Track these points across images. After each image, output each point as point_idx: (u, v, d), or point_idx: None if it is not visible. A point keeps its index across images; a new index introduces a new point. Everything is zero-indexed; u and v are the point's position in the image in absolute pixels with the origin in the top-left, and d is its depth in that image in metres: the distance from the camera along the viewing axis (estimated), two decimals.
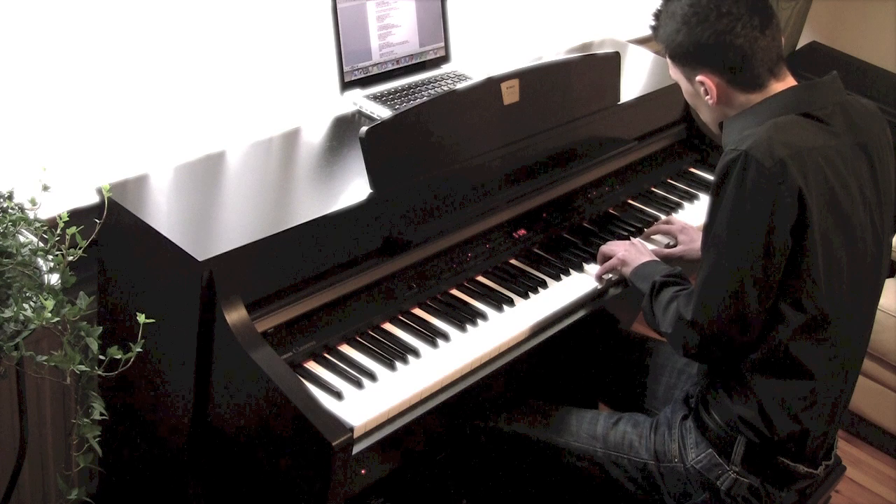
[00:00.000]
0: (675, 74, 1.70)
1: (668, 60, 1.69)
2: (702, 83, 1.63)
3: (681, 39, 1.62)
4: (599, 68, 2.17)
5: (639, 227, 2.14)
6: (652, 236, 2.09)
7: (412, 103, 1.89)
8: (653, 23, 1.72)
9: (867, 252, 1.61)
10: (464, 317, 1.75)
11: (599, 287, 1.91)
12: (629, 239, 2.01)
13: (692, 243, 1.99)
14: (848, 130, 1.59)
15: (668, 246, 2.05)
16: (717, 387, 1.66)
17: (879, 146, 1.64)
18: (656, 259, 1.87)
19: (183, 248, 1.51)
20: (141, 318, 1.33)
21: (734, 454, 1.64)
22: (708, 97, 1.64)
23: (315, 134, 1.98)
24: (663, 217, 2.18)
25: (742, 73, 1.60)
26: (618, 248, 1.91)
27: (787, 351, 1.57)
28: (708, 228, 1.58)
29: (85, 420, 1.35)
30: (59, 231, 1.35)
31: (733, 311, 1.54)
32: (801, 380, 1.59)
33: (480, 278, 1.87)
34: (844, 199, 1.55)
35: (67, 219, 1.35)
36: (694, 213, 2.26)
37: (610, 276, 1.92)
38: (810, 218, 1.49)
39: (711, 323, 1.56)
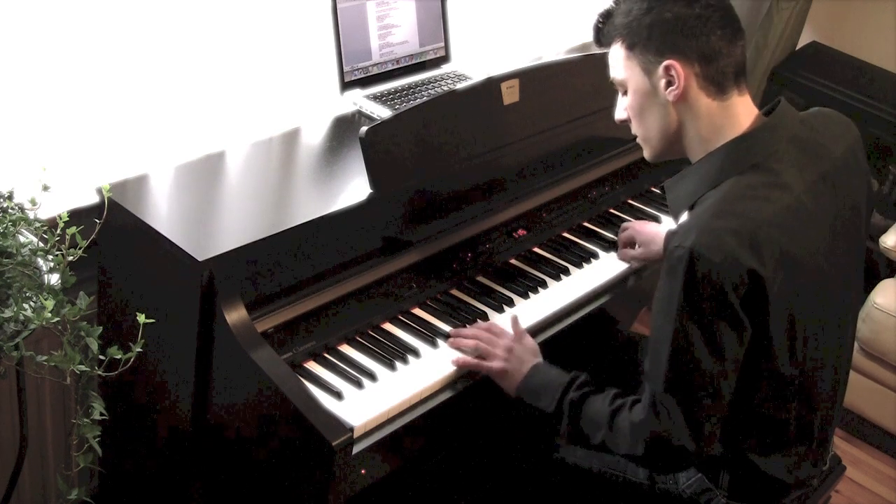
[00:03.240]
0: (623, 72, 1.53)
1: (622, 53, 1.52)
2: (668, 69, 1.46)
3: (651, 20, 1.46)
4: (599, 68, 2.16)
5: None
6: (628, 253, 1.99)
7: (412, 103, 1.89)
8: (600, 20, 1.57)
9: (833, 290, 1.54)
10: (464, 317, 1.75)
11: (599, 287, 1.91)
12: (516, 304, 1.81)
13: (651, 245, 1.94)
14: (803, 169, 1.48)
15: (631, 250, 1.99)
16: None
17: (846, 162, 1.56)
18: (539, 361, 1.65)
19: (183, 248, 1.51)
20: (141, 318, 1.33)
21: (721, 480, 1.63)
22: (671, 90, 1.47)
23: (315, 134, 1.98)
24: (663, 217, 2.18)
25: (712, 66, 1.46)
26: (492, 359, 1.64)
27: (757, 411, 1.52)
28: (659, 324, 1.45)
29: (85, 420, 1.35)
30: (59, 231, 1.35)
31: (713, 403, 1.44)
32: (766, 427, 1.55)
33: (480, 278, 1.87)
34: (806, 259, 1.45)
35: (67, 219, 1.35)
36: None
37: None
38: (770, 291, 1.39)
39: (699, 429, 1.44)
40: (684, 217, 1.53)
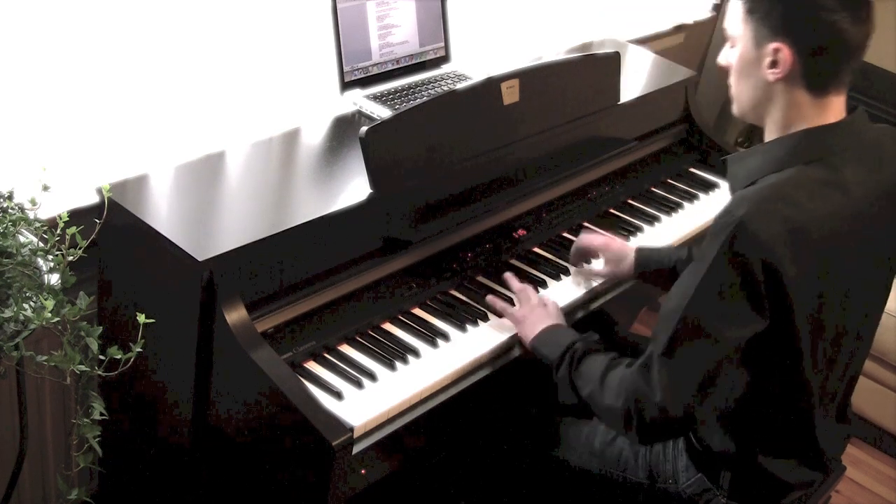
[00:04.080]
0: (736, 28, 1.49)
1: (741, 12, 1.47)
2: (776, 51, 1.43)
3: None
4: (599, 68, 2.17)
5: (639, 226, 2.14)
6: (578, 263, 1.96)
7: (412, 103, 1.89)
8: None
9: (870, 298, 1.55)
10: (464, 317, 1.75)
11: (598, 287, 1.91)
12: (543, 287, 1.88)
13: (620, 263, 1.91)
14: (866, 177, 1.48)
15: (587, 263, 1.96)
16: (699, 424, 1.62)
17: None
18: (563, 323, 1.73)
19: (183, 248, 1.51)
20: (141, 318, 1.33)
21: (722, 480, 1.63)
22: (773, 71, 1.45)
23: (315, 134, 1.98)
24: (663, 217, 2.18)
25: (821, 62, 1.43)
26: (518, 311, 1.74)
27: (764, 404, 1.53)
28: (683, 286, 1.46)
29: (85, 420, 1.35)
30: (59, 231, 1.35)
31: (703, 379, 1.44)
32: (773, 422, 1.55)
33: (480, 278, 1.87)
34: (850, 266, 1.46)
35: (67, 219, 1.35)
36: (694, 213, 2.26)
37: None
38: (794, 299, 1.39)
39: (677, 394, 1.45)
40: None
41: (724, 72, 1.56)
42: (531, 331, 1.70)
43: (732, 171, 1.55)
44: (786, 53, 1.43)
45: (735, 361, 1.44)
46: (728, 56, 1.54)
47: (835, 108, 1.49)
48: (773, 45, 1.44)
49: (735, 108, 1.57)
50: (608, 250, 1.93)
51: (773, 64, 1.45)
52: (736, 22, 1.49)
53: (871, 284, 1.57)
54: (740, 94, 1.53)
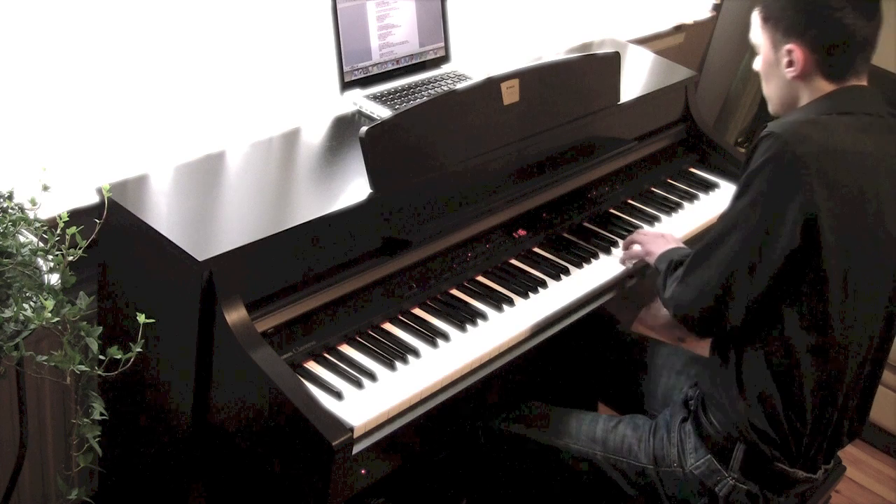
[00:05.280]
0: (758, 37, 1.64)
1: (759, 21, 1.64)
2: (790, 52, 1.58)
3: (785, 3, 1.58)
4: (599, 68, 2.17)
5: (639, 226, 2.14)
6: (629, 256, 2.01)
7: (412, 103, 1.89)
8: None
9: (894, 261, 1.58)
10: (464, 317, 1.75)
11: (599, 287, 1.91)
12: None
13: (648, 245, 1.96)
14: (888, 142, 1.57)
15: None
16: (718, 387, 1.66)
17: None
18: (682, 246, 1.89)
19: (183, 247, 1.51)
20: (141, 318, 1.33)
21: (733, 460, 1.64)
22: (790, 70, 1.59)
23: (315, 134, 1.98)
24: (663, 217, 2.18)
25: (834, 55, 1.56)
26: (644, 239, 1.92)
27: (788, 359, 1.56)
28: (728, 206, 1.59)
29: (85, 420, 1.35)
30: (59, 231, 1.35)
31: (720, 285, 1.56)
32: (796, 388, 1.58)
33: (480, 278, 1.87)
34: (877, 206, 1.52)
35: (67, 219, 1.35)
36: (694, 213, 2.26)
37: (632, 263, 1.95)
38: (823, 222, 1.47)
39: (695, 297, 1.60)
40: None
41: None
42: (653, 256, 1.86)
43: (772, 127, 1.61)
44: (798, 53, 1.57)
45: (752, 265, 1.52)
46: (757, 63, 1.68)
47: (857, 87, 1.60)
48: (787, 47, 1.58)
49: (770, 107, 1.71)
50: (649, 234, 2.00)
51: (790, 63, 1.59)
52: (756, 31, 1.65)
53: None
54: (770, 94, 1.68)
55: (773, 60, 1.62)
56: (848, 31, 1.53)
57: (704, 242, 1.61)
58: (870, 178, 1.52)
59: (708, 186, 2.37)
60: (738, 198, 1.55)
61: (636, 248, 1.93)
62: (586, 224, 2.11)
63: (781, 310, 1.54)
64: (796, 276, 1.51)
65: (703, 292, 1.59)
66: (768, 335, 1.57)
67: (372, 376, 1.57)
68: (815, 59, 1.56)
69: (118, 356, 1.32)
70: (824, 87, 1.59)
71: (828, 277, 1.50)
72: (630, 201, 2.24)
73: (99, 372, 1.32)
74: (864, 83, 1.61)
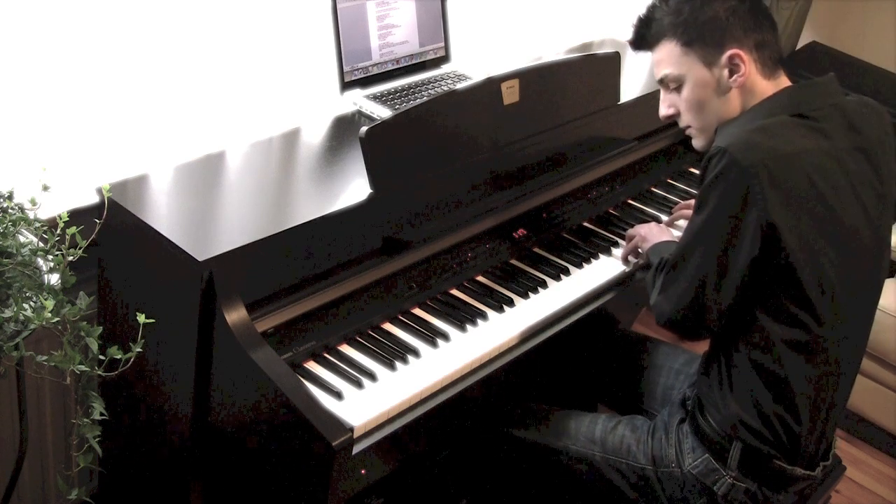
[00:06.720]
0: (684, 66, 1.63)
1: (678, 50, 1.62)
2: (732, 58, 1.58)
3: (707, 16, 1.59)
4: (599, 68, 2.17)
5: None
6: (675, 222, 2.11)
7: (412, 103, 1.89)
8: (641, 26, 1.69)
9: (863, 254, 1.59)
10: (464, 317, 1.75)
11: (599, 287, 1.91)
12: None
13: (646, 233, 2.00)
14: (844, 134, 1.57)
15: None
16: (712, 388, 1.66)
17: (881, 146, 1.62)
18: (676, 240, 1.85)
19: (183, 247, 1.51)
20: (141, 318, 1.33)
21: (730, 459, 1.64)
22: (735, 77, 1.59)
23: (315, 134, 1.98)
24: (663, 217, 2.18)
25: (765, 51, 1.60)
26: (642, 228, 1.95)
27: (772, 358, 1.57)
28: (691, 221, 1.60)
29: (85, 420, 1.35)
30: (59, 231, 1.35)
31: (691, 297, 1.57)
32: (785, 387, 1.58)
33: (480, 278, 1.87)
34: (835, 203, 1.53)
35: (67, 219, 1.35)
36: None
37: (636, 260, 1.96)
38: (782, 228, 1.47)
39: (673, 307, 1.61)
40: None
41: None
42: (649, 243, 1.88)
43: (721, 135, 1.63)
44: (742, 55, 1.58)
45: (720, 274, 1.52)
46: (673, 101, 1.68)
47: (786, 82, 1.63)
48: (727, 55, 1.58)
49: (703, 143, 1.69)
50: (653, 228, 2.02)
51: (732, 71, 1.59)
52: (674, 62, 1.64)
53: (877, 244, 1.61)
54: (707, 121, 1.65)
55: (708, 80, 1.61)
56: (766, 34, 1.60)
57: (674, 256, 1.61)
58: (823, 176, 1.52)
59: None
60: (696, 213, 1.56)
61: (636, 239, 1.95)
62: (586, 224, 2.11)
63: (759, 313, 1.55)
64: (767, 282, 1.52)
65: (680, 303, 1.60)
66: (750, 337, 1.57)
67: (372, 376, 1.57)
68: (754, 57, 1.59)
69: (118, 356, 1.32)
70: (762, 86, 1.60)
71: (800, 278, 1.50)
72: (630, 201, 2.24)
73: (99, 372, 1.32)
74: (786, 82, 1.63)
